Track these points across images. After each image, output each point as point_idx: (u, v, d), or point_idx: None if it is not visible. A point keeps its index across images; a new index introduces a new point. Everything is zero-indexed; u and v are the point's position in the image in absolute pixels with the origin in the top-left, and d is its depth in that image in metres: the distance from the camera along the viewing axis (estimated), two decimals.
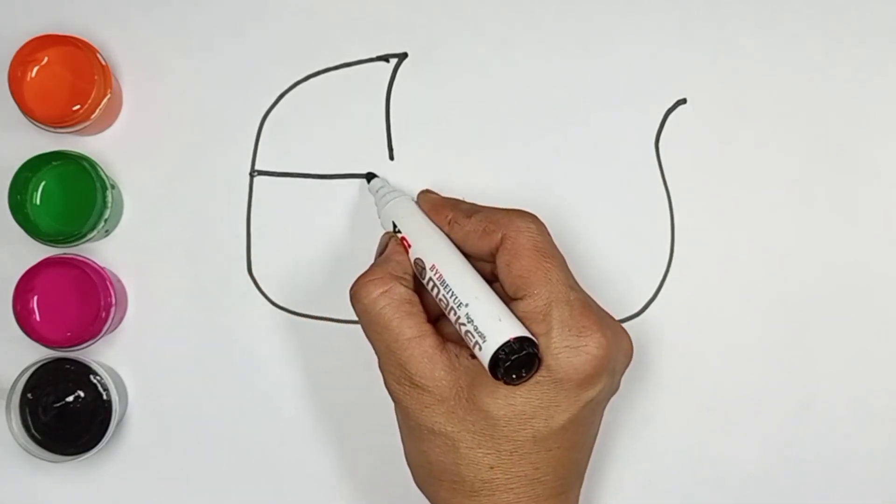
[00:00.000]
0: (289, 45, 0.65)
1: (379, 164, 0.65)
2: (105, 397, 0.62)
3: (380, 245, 0.60)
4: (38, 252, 0.62)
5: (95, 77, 0.61)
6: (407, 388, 0.55)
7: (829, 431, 0.65)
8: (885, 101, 0.65)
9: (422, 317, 0.56)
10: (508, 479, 0.54)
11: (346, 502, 0.65)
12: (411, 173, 0.65)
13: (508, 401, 0.53)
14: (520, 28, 0.65)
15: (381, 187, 0.62)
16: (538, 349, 0.53)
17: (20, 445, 0.61)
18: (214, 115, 0.64)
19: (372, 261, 0.59)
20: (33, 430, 0.62)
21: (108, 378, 0.62)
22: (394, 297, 0.55)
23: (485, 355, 0.52)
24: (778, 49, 0.65)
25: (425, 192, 0.61)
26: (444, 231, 0.58)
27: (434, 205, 0.59)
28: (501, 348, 0.52)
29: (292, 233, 0.65)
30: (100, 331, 0.62)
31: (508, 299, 0.55)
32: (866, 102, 0.65)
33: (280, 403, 0.64)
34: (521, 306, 0.54)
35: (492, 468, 0.54)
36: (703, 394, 0.65)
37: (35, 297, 0.62)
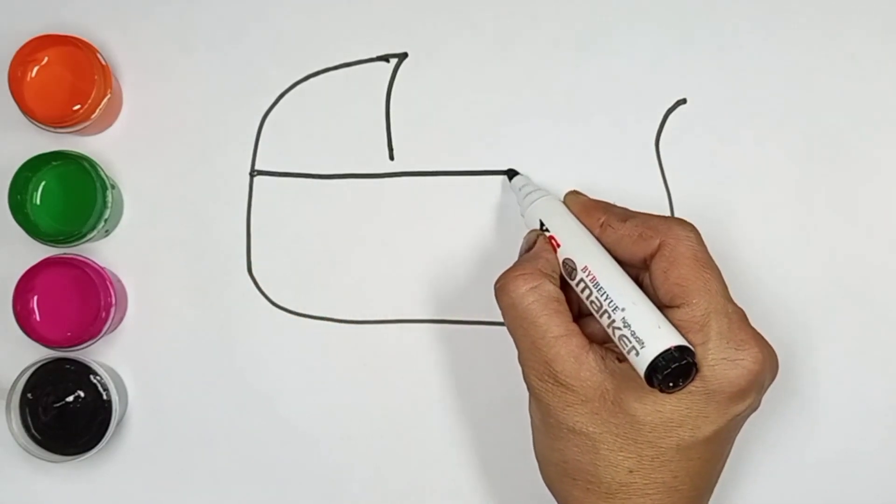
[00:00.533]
0: (289, 45, 0.65)
1: (379, 164, 0.65)
2: (105, 397, 0.62)
3: (526, 242, 0.59)
4: (38, 252, 0.62)
5: (95, 77, 0.61)
6: (550, 385, 0.55)
7: (829, 431, 0.65)
8: (885, 101, 0.65)
9: (569, 315, 0.55)
10: (646, 484, 0.54)
11: (345, 502, 0.65)
12: (411, 173, 0.65)
13: (657, 407, 0.53)
14: (519, 28, 0.65)
15: (525, 185, 0.61)
16: (696, 359, 0.52)
17: (20, 445, 0.61)
18: (214, 114, 0.65)
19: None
20: (33, 430, 0.62)
21: (108, 378, 0.62)
22: (542, 294, 0.55)
23: (642, 361, 0.52)
24: (778, 49, 0.65)
25: (574, 193, 0.61)
26: (594, 234, 0.58)
27: (585, 206, 0.59)
28: (661, 356, 0.51)
29: (292, 233, 0.65)
30: (100, 331, 0.62)
31: (662, 307, 0.54)
32: (866, 102, 0.65)
33: (280, 403, 0.64)
34: (678, 315, 0.54)
35: (631, 472, 0.54)
36: None
37: (35, 297, 0.62)
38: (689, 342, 0.53)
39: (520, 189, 0.62)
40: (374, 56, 0.65)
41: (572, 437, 0.55)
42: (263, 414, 0.64)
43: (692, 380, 0.53)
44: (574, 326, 0.55)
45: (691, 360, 0.52)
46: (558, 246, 0.58)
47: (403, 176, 0.65)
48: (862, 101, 0.65)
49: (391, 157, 0.65)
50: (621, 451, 0.54)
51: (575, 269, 0.56)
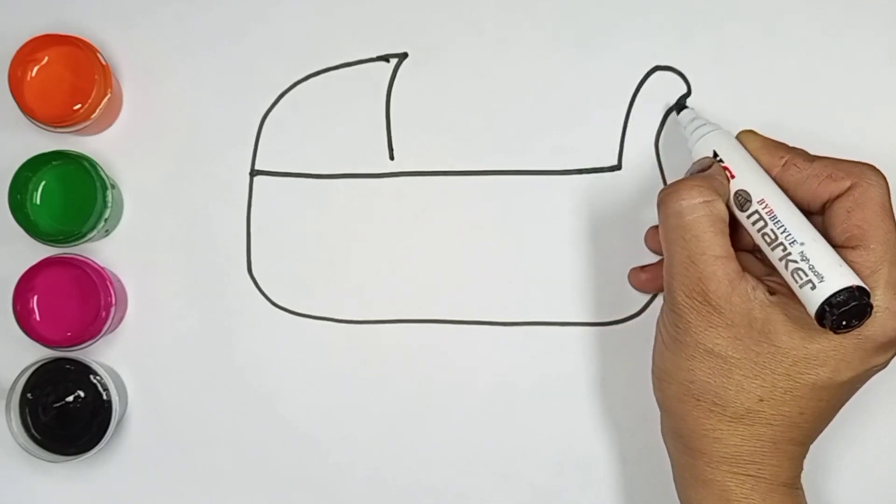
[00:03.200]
0: (289, 45, 0.65)
1: (379, 164, 0.65)
2: (105, 397, 0.62)
3: (697, 164, 0.58)
4: (38, 252, 0.62)
5: (95, 77, 0.61)
6: (698, 303, 0.54)
7: (829, 431, 0.64)
8: (885, 101, 0.65)
9: (729, 240, 0.55)
10: (773, 415, 0.55)
11: (345, 502, 0.65)
12: (411, 173, 0.65)
13: (805, 343, 0.53)
14: (519, 28, 0.65)
15: (695, 118, 0.61)
16: (870, 302, 0.52)
17: (20, 445, 0.61)
18: (214, 114, 0.65)
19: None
20: (33, 430, 0.62)
21: (108, 378, 0.62)
22: (713, 210, 0.55)
23: (818, 295, 0.52)
24: (778, 49, 0.65)
25: (750, 132, 0.59)
26: (770, 174, 0.57)
27: (765, 144, 0.58)
28: (841, 292, 0.51)
29: (292, 233, 0.65)
30: (100, 331, 0.62)
31: (834, 245, 0.54)
32: (866, 102, 0.65)
33: (280, 403, 0.64)
34: (852, 255, 0.53)
35: (761, 400, 0.54)
36: None
37: (35, 297, 0.62)
38: (865, 284, 0.52)
39: (690, 122, 0.61)
40: (374, 56, 0.65)
41: (708, 358, 0.55)
42: (263, 414, 0.64)
43: (864, 323, 0.52)
44: (733, 251, 0.55)
45: (867, 302, 0.52)
46: (732, 177, 0.57)
47: (403, 176, 0.65)
48: (862, 101, 0.65)
49: (391, 157, 0.65)
50: (756, 379, 0.54)
51: (749, 201, 0.55)
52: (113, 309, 0.62)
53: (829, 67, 0.65)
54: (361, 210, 0.65)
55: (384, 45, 0.65)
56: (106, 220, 0.62)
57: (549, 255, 0.64)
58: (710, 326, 0.54)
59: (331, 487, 0.65)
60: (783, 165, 0.57)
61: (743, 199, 0.56)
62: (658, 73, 0.65)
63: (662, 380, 0.57)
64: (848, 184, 0.55)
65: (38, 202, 0.62)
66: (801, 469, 0.57)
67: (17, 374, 0.62)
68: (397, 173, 0.65)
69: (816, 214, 0.56)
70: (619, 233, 0.64)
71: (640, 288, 0.63)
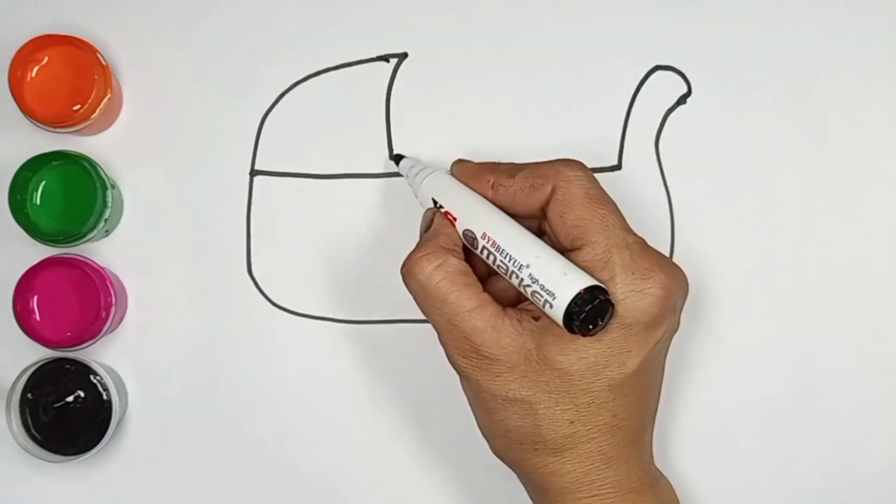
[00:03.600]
0: (289, 45, 0.65)
1: (379, 164, 0.65)
2: (105, 397, 0.62)
3: (423, 222, 0.59)
4: (38, 252, 0.62)
5: (95, 77, 0.61)
6: (474, 360, 0.55)
7: (830, 431, 0.64)
8: (885, 101, 0.65)
9: (478, 287, 0.55)
10: (589, 429, 0.55)
11: (345, 502, 0.65)
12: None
13: (580, 354, 0.54)
14: (519, 28, 0.65)
15: (413, 166, 0.61)
16: (609, 295, 0.53)
17: (20, 445, 0.61)
18: (214, 114, 0.65)
19: (409, 244, 0.58)
20: (33, 430, 0.62)
21: (109, 378, 0.62)
22: (449, 270, 0.55)
23: (557, 312, 0.52)
24: (778, 48, 0.65)
25: (459, 162, 0.60)
26: (487, 198, 0.58)
27: (472, 173, 0.59)
28: (574, 301, 0.52)
29: (292, 233, 0.65)
30: (100, 331, 0.62)
31: (565, 251, 0.55)
32: (866, 102, 0.65)
33: (279, 403, 0.64)
34: (581, 256, 0.54)
35: (571, 422, 0.55)
36: (702, 393, 0.65)
37: (35, 297, 0.62)
38: (598, 280, 0.53)
39: (408, 171, 0.61)
40: (374, 56, 0.65)
41: (508, 405, 0.55)
42: (263, 414, 0.64)
43: (611, 316, 0.53)
44: (485, 296, 0.55)
45: (604, 298, 0.52)
46: (455, 220, 0.57)
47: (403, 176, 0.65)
48: (862, 101, 0.65)
49: (391, 157, 0.65)
50: (557, 406, 0.54)
51: (476, 238, 0.56)
52: (113, 309, 0.62)
53: (829, 67, 0.65)
54: (361, 210, 0.65)
55: (384, 45, 0.65)
56: (106, 220, 0.62)
57: None
58: (496, 376, 0.54)
59: (331, 487, 0.65)
60: (492, 188, 0.57)
61: (471, 238, 0.56)
62: (658, 73, 0.65)
63: (486, 437, 0.58)
64: (549, 188, 0.55)
65: (39, 202, 0.62)
66: (648, 465, 0.57)
67: (17, 374, 0.62)
68: (397, 173, 0.65)
69: (544, 219, 0.57)
70: None
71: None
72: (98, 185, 0.61)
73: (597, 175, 0.64)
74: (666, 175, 0.65)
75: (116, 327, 0.64)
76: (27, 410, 0.62)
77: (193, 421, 0.64)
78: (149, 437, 0.64)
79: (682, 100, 0.65)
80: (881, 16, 0.65)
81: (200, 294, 0.64)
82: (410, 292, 0.56)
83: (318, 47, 0.65)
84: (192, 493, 0.64)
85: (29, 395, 0.62)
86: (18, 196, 0.61)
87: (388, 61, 0.65)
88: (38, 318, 0.62)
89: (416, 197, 0.61)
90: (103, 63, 0.62)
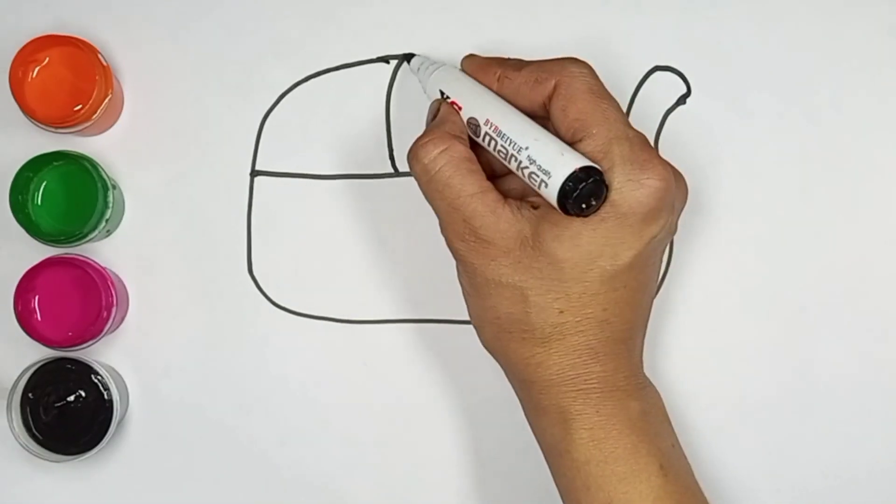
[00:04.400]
0: (289, 45, 0.65)
1: (379, 165, 0.65)
2: (106, 397, 0.62)
3: (430, 113, 0.60)
4: (40, 252, 0.63)
5: (97, 77, 0.61)
6: (472, 243, 0.55)
7: (830, 431, 0.64)
8: (885, 101, 0.65)
9: (481, 174, 0.56)
10: (578, 321, 0.55)
11: (346, 502, 0.65)
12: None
13: (574, 242, 0.54)
14: (519, 28, 0.65)
15: (423, 63, 0.62)
16: (603, 177, 0.53)
17: (21, 445, 0.61)
18: (215, 115, 0.65)
19: (422, 128, 0.59)
20: (34, 430, 0.62)
21: (110, 378, 0.62)
22: (453, 155, 0.56)
23: (552, 191, 0.53)
24: (778, 48, 0.65)
25: (469, 56, 0.61)
26: (492, 89, 0.58)
27: (480, 65, 0.59)
28: (568, 180, 0.52)
29: (292, 233, 0.65)
30: (101, 331, 0.62)
31: (567, 143, 0.55)
32: (866, 102, 0.65)
33: (280, 403, 0.64)
34: (581, 148, 0.54)
35: (561, 312, 0.55)
36: (702, 394, 0.65)
37: (36, 297, 0.62)
38: (588, 161, 0.53)
39: (419, 68, 0.62)
40: (374, 56, 0.65)
41: (500, 290, 0.55)
42: (263, 414, 0.64)
43: (605, 199, 0.53)
44: (488, 183, 0.56)
45: (599, 178, 0.53)
46: (460, 108, 0.58)
47: (403, 176, 0.65)
48: (862, 101, 0.65)
49: (391, 157, 0.65)
50: (549, 294, 0.54)
51: (479, 125, 0.57)
52: (114, 309, 0.62)
53: (829, 67, 0.65)
54: (361, 210, 0.65)
55: (384, 46, 0.65)
56: (107, 220, 0.62)
57: None
58: (491, 260, 0.55)
59: (331, 487, 0.65)
60: (498, 80, 0.58)
61: (474, 126, 0.57)
62: (658, 73, 0.65)
63: (477, 326, 0.58)
64: (553, 83, 0.56)
65: (40, 202, 0.62)
66: (637, 367, 0.57)
67: (18, 373, 0.62)
68: (397, 173, 0.65)
69: (546, 118, 0.57)
70: None
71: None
72: (99, 185, 0.61)
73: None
74: None
75: (117, 327, 0.64)
76: (28, 410, 0.62)
77: (193, 421, 0.64)
78: (149, 437, 0.64)
79: (682, 100, 0.65)
80: (881, 16, 0.65)
81: (201, 294, 0.65)
82: (414, 176, 0.57)
83: (318, 47, 0.65)
84: (193, 493, 0.64)
85: (30, 395, 0.62)
86: (20, 196, 0.61)
87: (388, 62, 0.65)
88: (39, 317, 0.62)
89: (425, 91, 0.61)
90: (104, 63, 0.62)
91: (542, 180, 0.54)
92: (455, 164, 0.56)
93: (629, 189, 0.53)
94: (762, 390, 0.65)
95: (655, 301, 0.64)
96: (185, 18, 0.65)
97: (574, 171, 0.52)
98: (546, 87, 0.56)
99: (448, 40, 0.65)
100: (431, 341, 0.64)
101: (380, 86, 0.65)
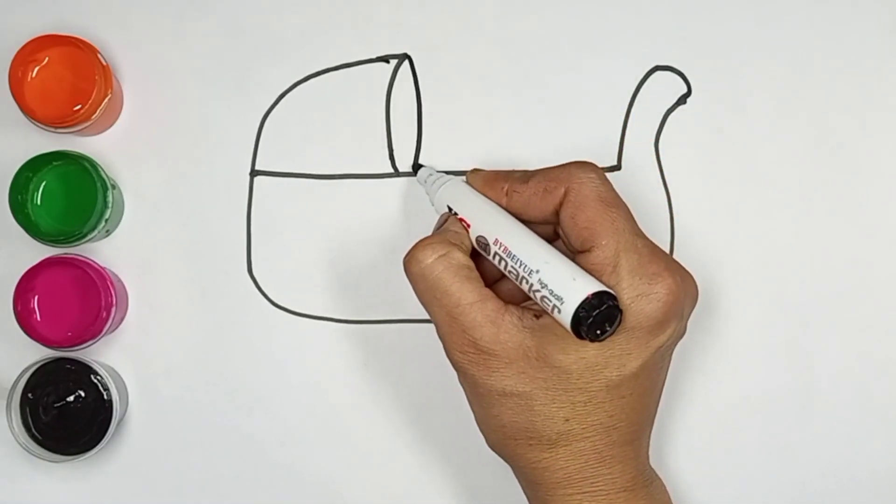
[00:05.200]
0: (289, 45, 0.65)
1: (379, 165, 0.65)
2: (106, 397, 0.62)
3: (437, 224, 0.60)
4: (39, 252, 0.63)
5: (96, 77, 0.61)
6: (472, 355, 0.55)
7: (830, 431, 0.64)
8: (886, 101, 0.65)
9: (480, 282, 0.55)
10: (584, 428, 0.55)
11: (345, 502, 0.65)
12: (411, 173, 0.65)
13: (580, 354, 0.53)
14: (519, 28, 0.65)
15: (430, 175, 0.62)
16: (618, 301, 0.52)
17: (20, 445, 0.61)
18: (214, 115, 0.65)
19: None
20: (34, 430, 0.62)
21: (109, 378, 0.62)
22: (451, 262, 0.55)
23: (565, 317, 0.52)
24: (778, 48, 0.65)
25: (475, 171, 0.60)
26: (501, 205, 0.58)
27: (487, 180, 0.59)
28: (581, 306, 0.52)
29: (292, 233, 0.65)
30: (100, 331, 0.62)
31: (575, 252, 0.55)
32: (866, 102, 0.65)
33: (280, 403, 0.64)
34: (590, 258, 0.54)
35: (567, 420, 0.55)
36: (702, 393, 0.65)
37: (36, 297, 0.62)
38: (605, 286, 0.53)
39: (426, 179, 0.62)
40: (374, 56, 0.65)
41: (504, 400, 0.55)
42: (263, 414, 0.64)
43: (619, 323, 0.53)
44: (487, 291, 0.55)
45: (612, 304, 0.52)
46: (469, 226, 0.58)
47: (403, 176, 0.65)
48: (862, 101, 0.65)
49: (391, 157, 0.65)
50: (554, 404, 0.54)
51: (488, 244, 0.56)
52: (113, 309, 0.62)
53: (829, 67, 0.65)
54: (361, 210, 0.65)
55: (384, 46, 0.65)
56: (106, 220, 0.62)
57: None
58: (493, 371, 0.54)
59: (331, 487, 0.65)
60: (506, 194, 0.58)
61: (483, 244, 0.57)
62: (658, 73, 0.65)
63: (483, 431, 0.58)
64: (562, 190, 0.55)
65: (39, 202, 0.62)
66: (643, 465, 0.57)
67: (17, 374, 0.62)
68: (397, 173, 0.65)
69: (557, 224, 0.57)
70: None
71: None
72: (99, 185, 0.61)
73: None
74: (666, 175, 0.65)
75: (117, 327, 0.64)
76: (28, 410, 0.62)
77: (193, 421, 0.64)
78: (149, 437, 0.64)
79: (682, 100, 0.65)
80: (881, 16, 0.65)
81: (201, 294, 0.64)
82: (411, 281, 0.56)
83: (318, 47, 0.65)
84: (192, 493, 0.64)
85: (29, 395, 0.62)
86: (19, 196, 0.61)
87: (388, 62, 0.65)
88: (38, 318, 0.62)
89: (433, 205, 0.61)
90: (104, 63, 0.62)
91: (554, 305, 0.53)
92: (453, 270, 0.55)
93: (638, 304, 0.53)
94: (762, 390, 0.65)
95: None
96: (184, 18, 0.65)
97: (587, 298, 0.52)
98: (556, 196, 0.56)
99: (448, 40, 0.65)
100: (431, 341, 0.64)
101: (380, 86, 0.65)
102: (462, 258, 0.56)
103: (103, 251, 0.64)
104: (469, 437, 0.64)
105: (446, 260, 0.55)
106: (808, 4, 0.65)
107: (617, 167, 0.65)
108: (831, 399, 0.65)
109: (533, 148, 0.65)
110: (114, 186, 0.63)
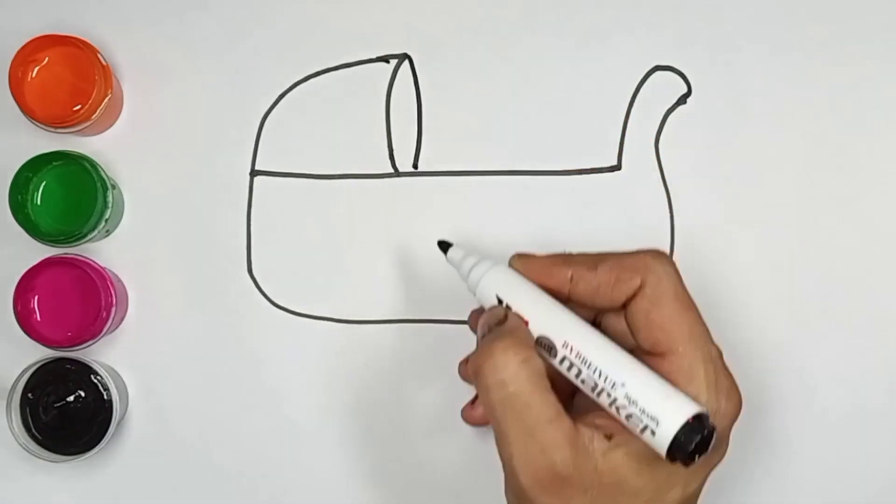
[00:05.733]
0: (289, 45, 0.65)
1: (379, 165, 0.65)
2: (106, 397, 0.62)
3: (490, 319, 0.52)
4: (39, 252, 0.63)
5: (96, 77, 0.61)
6: (547, 481, 0.49)
7: (830, 431, 0.64)
8: (886, 101, 0.65)
9: (554, 394, 0.49)
10: None
11: (345, 502, 0.65)
12: (411, 173, 0.65)
13: (653, 475, 0.49)
14: (519, 28, 0.65)
15: (465, 257, 0.55)
16: (713, 427, 0.48)
17: (21, 445, 0.61)
18: (214, 115, 0.65)
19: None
20: (34, 430, 0.62)
21: (109, 378, 0.62)
22: (534, 369, 0.49)
23: (662, 440, 0.47)
24: (778, 49, 0.65)
25: (521, 257, 0.54)
26: (562, 294, 0.52)
27: (545, 267, 0.53)
28: (680, 432, 0.47)
29: (292, 233, 0.65)
30: (100, 331, 0.62)
31: (643, 353, 0.51)
32: (866, 102, 0.65)
33: (280, 403, 0.64)
34: (665, 364, 0.50)
35: None
36: None
37: (36, 297, 0.62)
38: (699, 405, 0.48)
39: (460, 263, 0.55)
40: (374, 56, 0.65)
41: None
42: (263, 414, 0.64)
43: (714, 446, 0.48)
44: (561, 406, 0.49)
45: (711, 428, 0.48)
46: (527, 323, 0.51)
47: (403, 176, 0.65)
48: (862, 102, 0.65)
49: (391, 157, 0.65)
50: None
51: (554, 347, 0.50)
52: (113, 309, 0.62)
53: (829, 67, 0.65)
54: (361, 210, 0.65)
55: (384, 46, 0.65)
56: (106, 220, 0.62)
57: None
58: (567, 500, 0.49)
59: (331, 487, 0.65)
60: (572, 282, 0.52)
61: (548, 346, 0.51)
62: (658, 73, 0.65)
63: None
64: (638, 282, 0.51)
65: (39, 202, 0.62)
66: None
67: (17, 374, 0.62)
68: (397, 173, 0.65)
69: (621, 311, 0.52)
70: (618, 233, 0.64)
71: (476, 424, 0.60)
72: (99, 185, 0.61)
73: (597, 175, 0.65)
74: (666, 175, 0.65)
75: (117, 327, 0.64)
76: (28, 410, 0.62)
77: (193, 421, 0.64)
78: (149, 437, 0.64)
79: (682, 100, 0.65)
80: (881, 16, 0.65)
81: (200, 294, 0.65)
82: (482, 389, 0.50)
83: (318, 47, 0.65)
84: (192, 493, 0.64)
85: (29, 395, 0.62)
86: (19, 196, 0.61)
87: (388, 62, 0.65)
88: (38, 318, 0.62)
89: (471, 290, 0.54)
90: (104, 63, 0.62)
91: (645, 426, 0.48)
92: (534, 380, 0.48)
93: (714, 420, 0.49)
94: (763, 390, 0.64)
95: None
96: (184, 18, 0.65)
97: (688, 421, 0.47)
98: (629, 287, 0.51)
99: (448, 40, 0.65)
100: (431, 341, 0.64)
101: (380, 86, 0.65)
102: (541, 365, 0.49)
103: (103, 251, 0.65)
104: (468, 436, 0.64)
105: (528, 367, 0.49)
106: (807, 4, 0.65)
107: (617, 167, 0.65)
108: (831, 399, 0.64)
109: (532, 148, 0.65)
110: (114, 186, 0.63)
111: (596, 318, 0.54)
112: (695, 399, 0.49)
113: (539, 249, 0.64)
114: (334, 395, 0.65)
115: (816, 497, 0.64)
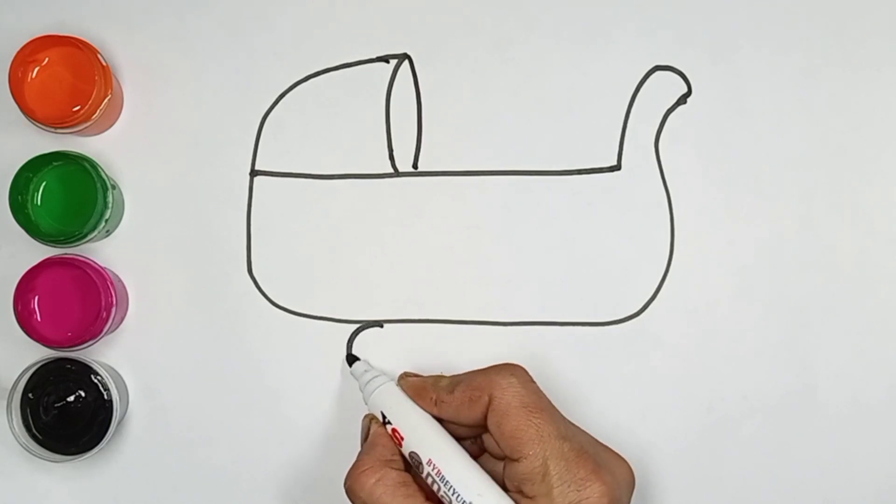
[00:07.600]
0: (289, 45, 0.65)
1: (379, 165, 0.65)
2: (106, 397, 0.62)
3: (363, 430, 0.60)
4: (39, 252, 0.63)
5: (96, 77, 0.61)
6: None
7: (829, 431, 0.64)
8: (886, 101, 0.65)
9: (420, 496, 0.56)
10: None
11: (345, 502, 0.65)
12: (411, 173, 0.65)
13: None
14: (519, 28, 0.65)
15: (365, 372, 0.62)
16: None
17: (21, 445, 0.61)
18: (214, 115, 0.65)
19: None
20: (34, 430, 0.62)
21: (109, 378, 0.62)
22: (388, 484, 0.56)
23: None
24: (778, 49, 0.65)
25: (406, 377, 0.61)
26: (433, 413, 0.58)
27: (416, 389, 0.59)
28: None
29: (292, 233, 0.65)
30: (101, 331, 0.62)
31: (507, 459, 0.56)
32: (866, 102, 0.65)
33: (280, 403, 0.64)
34: (520, 469, 0.54)
35: None
36: (702, 394, 0.65)
37: (36, 298, 0.62)
38: (531, 494, 0.53)
39: (360, 377, 0.62)
40: (374, 56, 0.65)
41: None
42: (263, 414, 0.64)
43: None
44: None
45: None
46: (402, 439, 0.58)
47: (403, 176, 0.65)
48: (862, 102, 0.65)
49: (391, 157, 0.65)
50: None
51: (421, 464, 0.57)
52: (114, 309, 0.62)
53: (829, 67, 0.65)
54: (361, 210, 0.65)
55: (384, 46, 0.65)
56: (107, 220, 0.62)
57: (548, 256, 0.65)
58: None
59: (331, 487, 0.65)
60: (436, 405, 0.58)
61: (416, 462, 0.57)
62: (658, 73, 0.65)
63: None
64: (486, 398, 0.56)
65: (39, 203, 0.62)
66: None
67: (18, 373, 0.62)
68: (397, 173, 0.65)
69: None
70: (618, 233, 0.65)
71: None
72: (99, 185, 0.61)
73: (597, 175, 0.65)
74: (666, 175, 0.65)
75: (117, 327, 0.64)
76: (28, 410, 0.62)
77: (193, 421, 0.64)
78: (149, 437, 0.64)
79: (682, 100, 0.65)
80: (881, 16, 0.65)
81: (201, 294, 0.65)
82: None
83: (318, 47, 0.65)
84: (193, 493, 0.64)
85: (30, 395, 0.62)
86: (19, 196, 0.61)
87: (388, 62, 0.65)
88: (38, 318, 0.62)
89: (365, 402, 0.61)
90: (104, 64, 0.62)
91: None
92: (391, 492, 0.55)
93: None
94: (762, 390, 0.64)
95: (655, 300, 0.65)
96: (184, 19, 0.65)
97: None
98: (481, 404, 0.56)
99: (448, 40, 0.65)
100: (431, 341, 0.64)
101: (380, 86, 0.65)
102: (397, 476, 0.56)
103: (103, 251, 0.65)
104: None
105: (383, 483, 0.56)
106: (807, 4, 0.65)
107: (617, 167, 0.65)
108: (831, 399, 0.64)
109: (532, 148, 0.65)
110: (114, 186, 0.63)
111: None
112: (545, 495, 0.53)
113: (539, 249, 0.64)
114: (334, 395, 0.65)
115: (816, 497, 0.64)
